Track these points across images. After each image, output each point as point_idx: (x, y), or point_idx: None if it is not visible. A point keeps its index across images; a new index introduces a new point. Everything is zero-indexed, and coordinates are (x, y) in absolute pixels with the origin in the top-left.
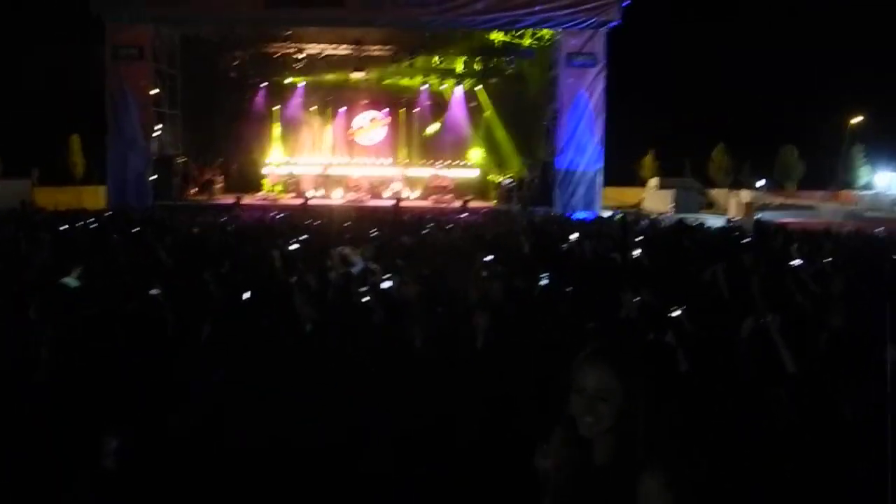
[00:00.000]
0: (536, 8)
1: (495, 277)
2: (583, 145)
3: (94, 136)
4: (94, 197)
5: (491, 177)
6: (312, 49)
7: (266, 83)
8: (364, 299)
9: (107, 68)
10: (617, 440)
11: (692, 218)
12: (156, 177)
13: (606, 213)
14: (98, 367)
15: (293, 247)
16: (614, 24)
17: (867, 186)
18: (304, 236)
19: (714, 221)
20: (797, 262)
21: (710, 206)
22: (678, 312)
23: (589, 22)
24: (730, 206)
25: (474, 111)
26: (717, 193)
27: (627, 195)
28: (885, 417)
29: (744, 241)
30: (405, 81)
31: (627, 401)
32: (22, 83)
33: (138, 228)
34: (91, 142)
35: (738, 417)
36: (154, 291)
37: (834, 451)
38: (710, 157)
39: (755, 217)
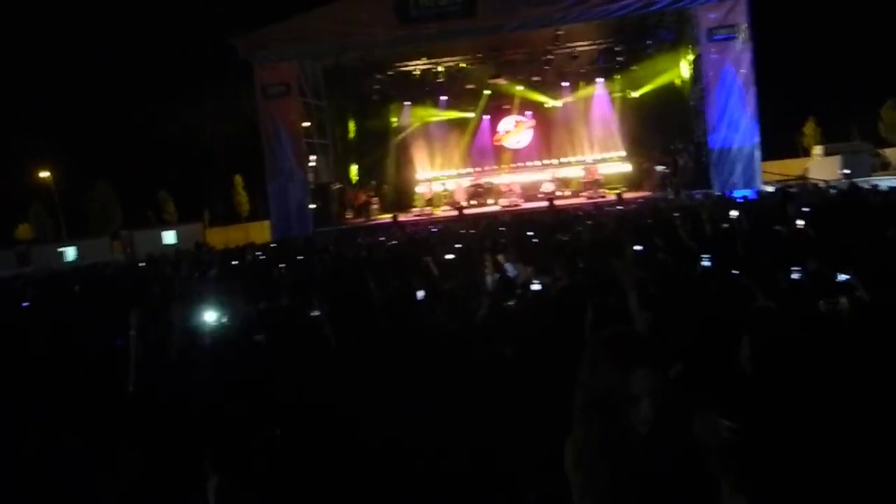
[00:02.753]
0: None
1: (648, 263)
2: (735, 121)
3: (254, 175)
4: (261, 231)
5: (643, 165)
6: (449, 62)
7: (409, 101)
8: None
9: (258, 108)
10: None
11: (864, 182)
12: (315, 205)
13: (769, 189)
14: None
15: (449, 256)
16: None
17: None
18: (459, 245)
19: (891, 183)
20: None
21: (886, 167)
22: (845, 277)
23: None
24: None
25: (618, 101)
26: (891, 153)
27: (791, 167)
28: None
29: None
30: (544, 80)
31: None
32: (186, 135)
33: (301, 257)
34: (253, 180)
35: None
36: (315, 313)
37: None
38: (878, 115)
39: None
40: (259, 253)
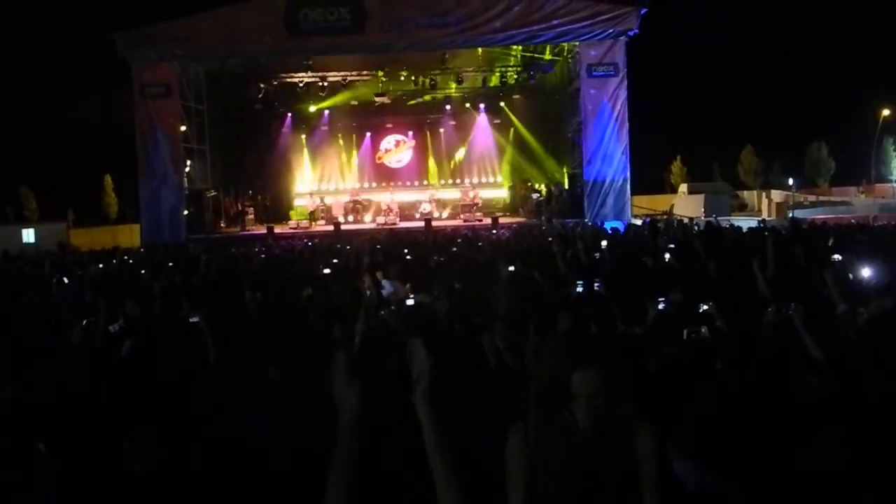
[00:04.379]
0: (554, 22)
1: (522, 287)
2: (609, 155)
3: (126, 176)
4: (129, 235)
5: (520, 192)
6: (335, 76)
7: (291, 113)
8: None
9: (135, 108)
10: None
11: (724, 221)
12: (188, 211)
13: (637, 222)
14: (139, 393)
15: (325, 271)
16: (633, 32)
17: None
18: (335, 261)
19: (746, 223)
20: (837, 256)
21: (743, 208)
22: (706, 307)
23: (607, 32)
24: (762, 208)
25: (498, 128)
26: (748, 195)
27: (658, 202)
28: None
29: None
30: (428, 102)
31: (612, 388)
32: (53, 129)
33: (171, 263)
34: (123, 181)
35: (771, 403)
36: (194, 319)
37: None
38: (738, 160)
39: (790, 215)
40: (127, 258)
